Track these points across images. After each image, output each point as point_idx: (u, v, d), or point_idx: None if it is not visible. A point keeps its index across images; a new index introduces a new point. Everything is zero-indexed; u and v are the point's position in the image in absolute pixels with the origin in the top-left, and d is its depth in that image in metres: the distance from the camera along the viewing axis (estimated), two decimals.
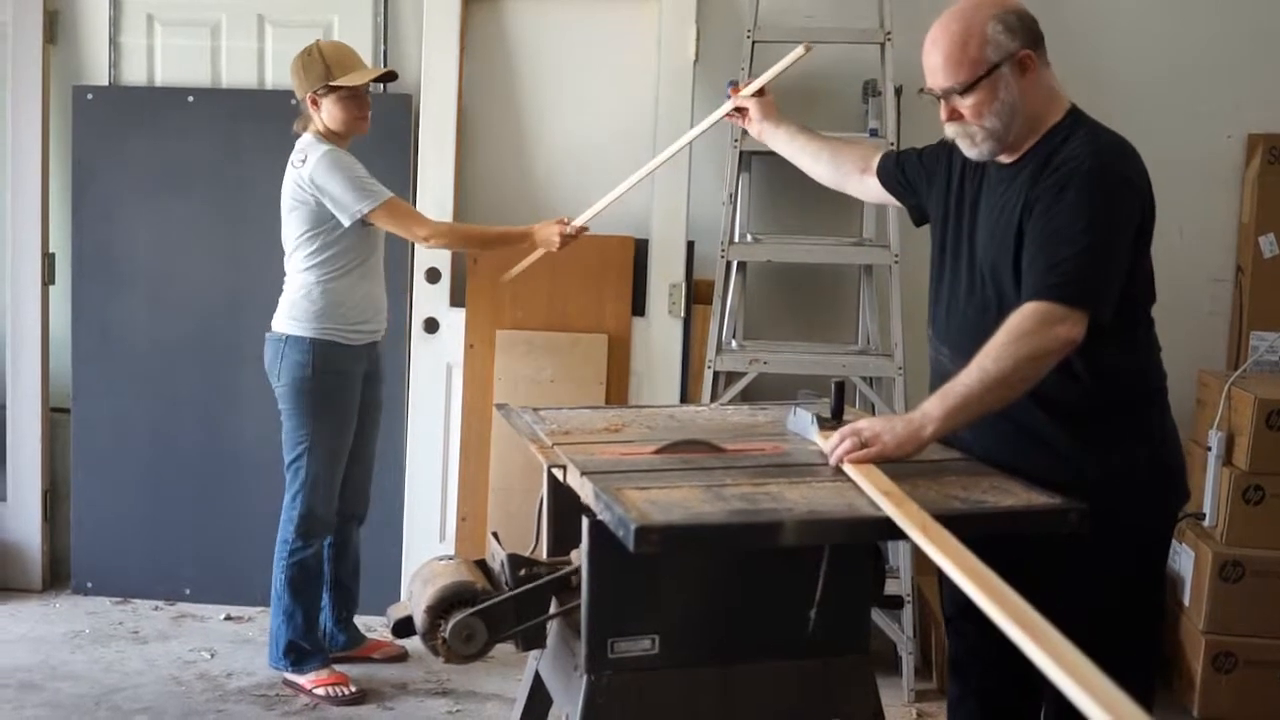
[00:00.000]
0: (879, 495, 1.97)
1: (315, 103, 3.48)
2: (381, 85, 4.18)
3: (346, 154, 3.46)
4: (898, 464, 2.16)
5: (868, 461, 2.12)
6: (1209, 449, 3.71)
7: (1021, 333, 2.12)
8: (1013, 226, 2.24)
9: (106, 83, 4.32)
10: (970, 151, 2.31)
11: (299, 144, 3.51)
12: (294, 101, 3.60)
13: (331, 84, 3.43)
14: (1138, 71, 4.08)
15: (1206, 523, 3.71)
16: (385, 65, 4.19)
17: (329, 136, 3.51)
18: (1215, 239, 4.12)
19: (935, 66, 2.25)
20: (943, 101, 2.27)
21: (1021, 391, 2.15)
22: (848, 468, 2.12)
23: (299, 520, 3.57)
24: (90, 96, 4.27)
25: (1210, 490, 3.69)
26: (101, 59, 4.34)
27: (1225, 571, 3.60)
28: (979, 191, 2.38)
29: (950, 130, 2.31)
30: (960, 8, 2.26)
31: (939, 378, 2.42)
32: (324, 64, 3.43)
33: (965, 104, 2.24)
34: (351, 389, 3.54)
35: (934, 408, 2.14)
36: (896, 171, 2.61)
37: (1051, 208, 2.17)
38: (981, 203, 2.36)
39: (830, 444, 2.18)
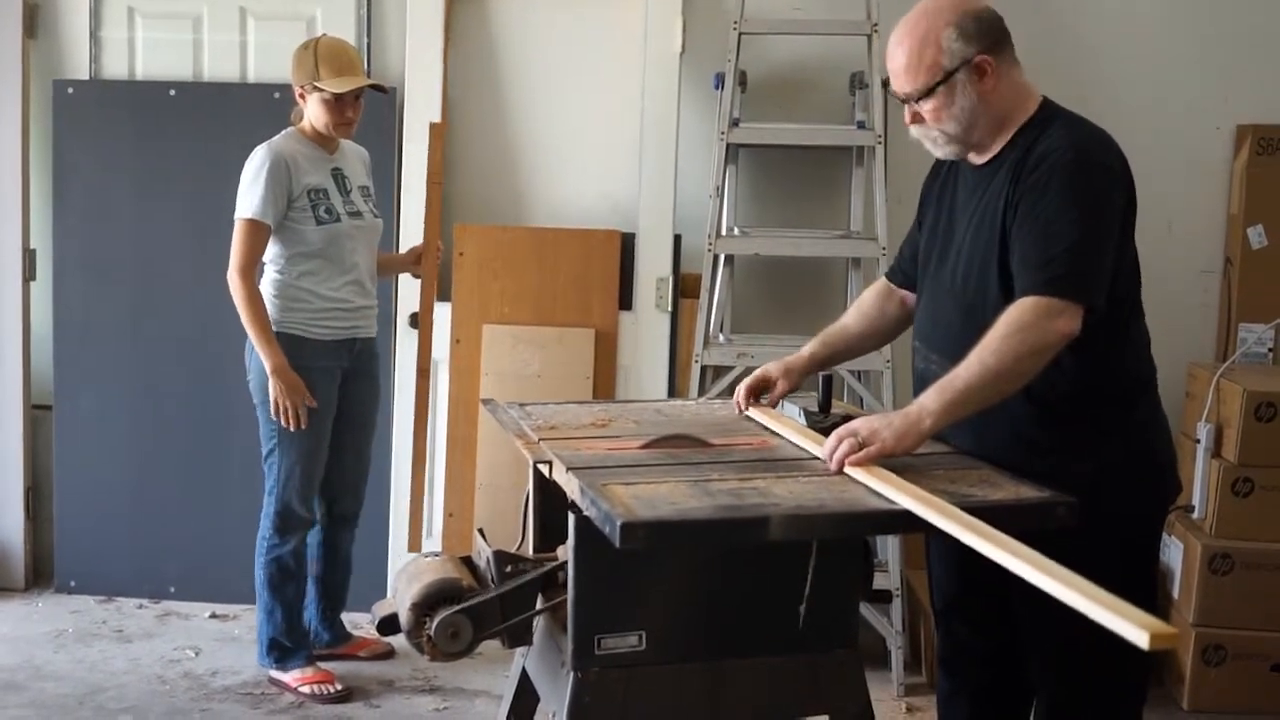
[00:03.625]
0: (894, 491, 1.95)
1: (303, 97, 3.47)
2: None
3: (280, 162, 3.39)
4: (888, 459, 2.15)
5: (870, 461, 2.08)
6: (1198, 441, 3.70)
7: (1020, 326, 2.10)
8: (995, 226, 2.22)
9: (87, 76, 4.29)
10: (936, 152, 2.34)
11: None
12: (276, 95, 3.57)
13: (316, 84, 3.40)
14: (1126, 63, 4.07)
15: (1195, 515, 3.71)
16: (369, 57, 4.18)
17: (312, 132, 3.49)
18: (1204, 230, 4.11)
19: (896, 71, 2.27)
20: (906, 105, 2.29)
21: (1020, 385, 2.13)
22: (851, 470, 2.09)
23: (274, 516, 3.56)
24: (71, 90, 4.24)
25: (1199, 482, 3.69)
26: (82, 53, 4.30)
27: (1215, 564, 3.59)
28: (955, 196, 2.38)
29: (914, 132, 2.32)
30: (919, 11, 2.26)
31: (924, 385, 2.40)
32: (315, 62, 3.41)
33: (925, 108, 2.25)
34: (321, 384, 3.49)
35: (932, 401, 2.12)
36: (909, 266, 2.55)
37: (1038, 203, 2.15)
38: (959, 207, 2.36)
39: (828, 448, 2.13)
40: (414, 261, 3.83)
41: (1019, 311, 2.11)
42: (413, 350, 4.10)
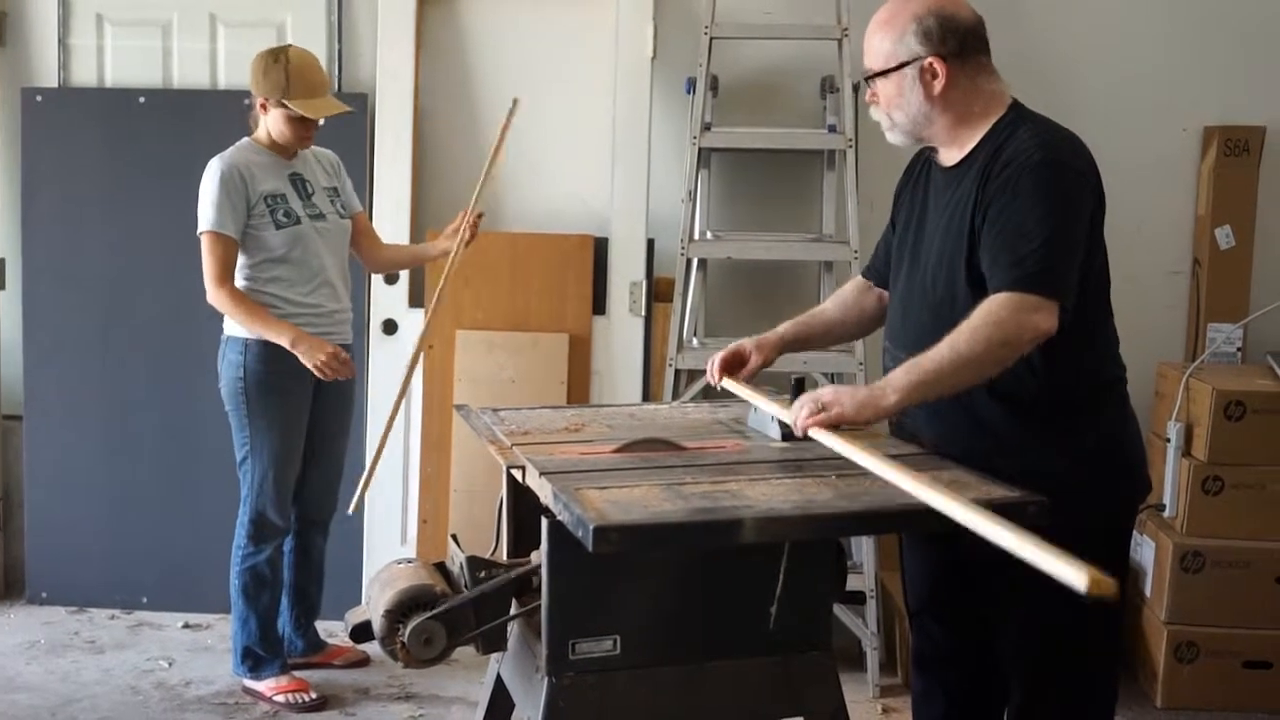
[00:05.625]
0: (851, 449, 2.04)
1: (265, 108, 3.45)
2: (337, 86, 4.16)
3: (233, 173, 3.38)
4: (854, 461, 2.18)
5: (828, 424, 2.14)
6: (1168, 440, 3.72)
7: (995, 319, 2.11)
8: (964, 225, 2.24)
9: (56, 84, 4.26)
10: (889, 136, 2.37)
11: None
12: (246, 102, 3.55)
13: (285, 102, 3.38)
14: (1093, 66, 4.10)
15: (1166, 514, 3.73)
16: (340, 63, 4.18)
17: (269, 141, 3.48)
18: (1172, 232, 4.15)
19: (865, 45, 2.34)
20: (867, 83, 2.35)
21: (987, 376, 2.15)
22: (814, 432, 2.14)
23: (249, 524, 3.54)
24: (40, 98, 4.21)
25: (1170, 481, 3.71)
26: (51, 60, 4.28)
27: (1186, 562, 3.62)
28: (926, 197, 2.40)
29: (873, 113, 2.38)
30: None
31: None
32: (285, 79, 3.37)
33: (878, 90, 2.32)
34: (293, 391, 3.48)
35: (899, 379, 2.15)
36: (883, 266, 2.57)
37: (1008, 205, 2.17)
38: (929, 207, 2.38)
39: (793, 412, 2.20)
40: (449, 237, 3.64)
41: (994, 304, 2.13)
42: (386, 357, 4.10)
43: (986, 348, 2.10)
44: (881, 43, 2.28)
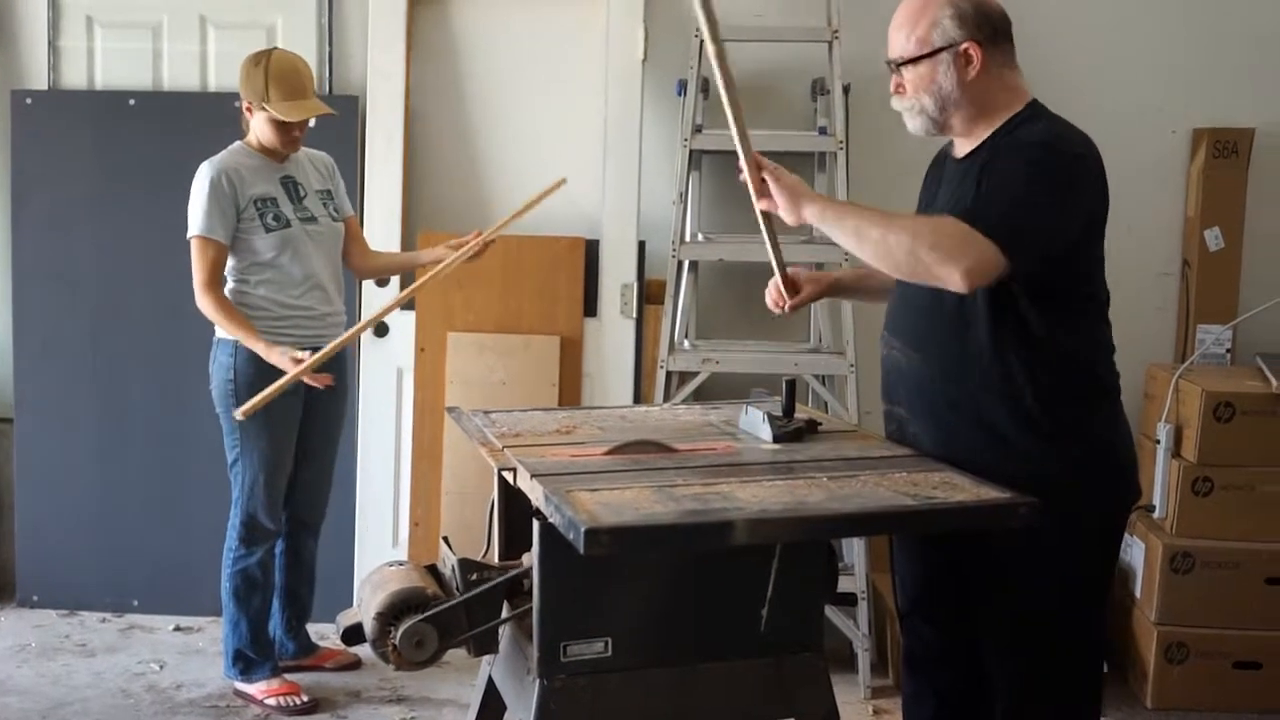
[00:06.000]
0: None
1: (249, 110, 3.46)
2: (327, 88, 4.16)
3: (222, 177, 3.38)
4: (846, 463, 2.20)
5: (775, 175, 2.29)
6: (1158, 442, 3.74)
7: (939, 227, 2.14)
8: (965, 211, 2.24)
9: (46, 86, 4.25)
10: (911, 125, 2.37)
11: None
12: (237, 104, 3.55)
13: (265, 106, 3.38)
14: (1083, 67, 4.10)
15: (1156, 515, 3.74)
16: (330, 66, 4.17)
17: (259, 144, 3.48)
18: (1162, 233, 4.16)
19: (891, 33, 2.33)
20: (893, 74, 2.33)
21: (883, 264, 2.19)
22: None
23: (239, 527, 3.54)
24: (29, 101, 4.20)
25: (1160, 482, 3.72)
26: (40, 62, 4.27)
27: (1176, 563, 3.63)
28: (939, 187, 2.40)
29: (895, 104, 2.36)
30: None
31: (890, 373, 2.42)
32: (265, 83, 3.37)
33: (907, 78, 2.30)
34: (284, 394, 3.46)
35: (828, 200, 2.28)
36: None
37: (999, 171, 2.19)
38: (939, 199, 2.38)
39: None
40: (452, 249, 3.63)
41: (943, 219, 2.16)
42: (377, 359, 4.10)
43: (909, 243, 2.13)
44: (914, 30, 2.27)
